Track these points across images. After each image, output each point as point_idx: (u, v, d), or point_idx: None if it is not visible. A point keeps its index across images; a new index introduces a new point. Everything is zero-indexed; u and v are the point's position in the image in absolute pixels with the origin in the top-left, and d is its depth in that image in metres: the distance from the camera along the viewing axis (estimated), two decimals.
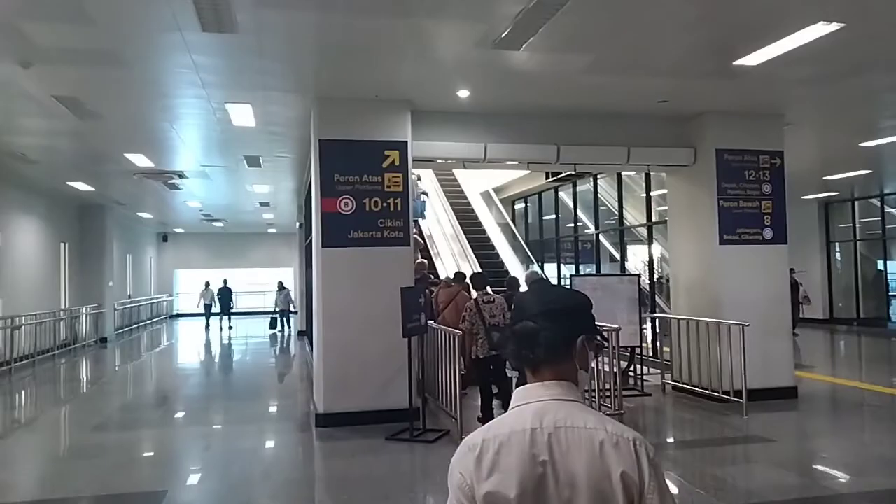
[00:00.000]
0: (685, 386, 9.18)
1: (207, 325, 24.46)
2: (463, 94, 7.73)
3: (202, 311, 24.65)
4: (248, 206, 19.24)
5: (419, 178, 13.75)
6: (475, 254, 13.71)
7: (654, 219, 12.39)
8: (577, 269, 15.82)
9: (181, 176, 13.42)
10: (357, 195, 7.79)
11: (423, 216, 13.62)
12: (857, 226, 19.54)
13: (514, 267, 13.99)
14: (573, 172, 14.22)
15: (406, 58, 6.66)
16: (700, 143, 9.09)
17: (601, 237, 15.35)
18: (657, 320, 9.61)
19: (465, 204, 16.34)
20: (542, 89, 7.67)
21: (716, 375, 8.61)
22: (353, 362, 7.69)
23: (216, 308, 24.29)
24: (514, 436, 1.37)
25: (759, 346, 8.32)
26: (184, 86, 7.51)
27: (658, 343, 10.27)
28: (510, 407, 1.46)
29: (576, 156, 8.80)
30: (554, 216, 17.10)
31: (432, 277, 11.22)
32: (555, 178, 14.92)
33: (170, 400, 10.66)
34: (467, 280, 9.38)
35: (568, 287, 2.52)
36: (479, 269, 10.63)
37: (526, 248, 16.16)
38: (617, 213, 14.07)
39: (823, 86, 7.65)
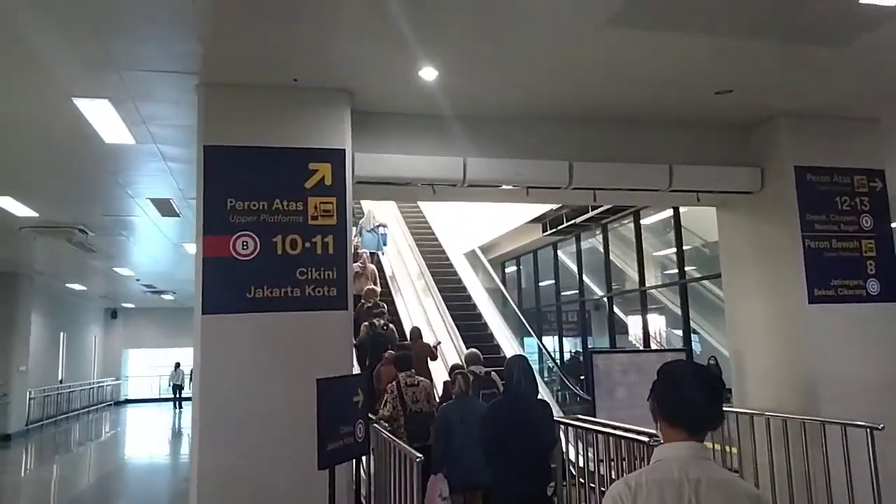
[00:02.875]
0: None
1: (177, 408, 23.04)
2: (428, 74, 5.03)
3: (170, 394, 24.02)
4: (190, 273, 16.29)
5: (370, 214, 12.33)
6: (456, 324, 10.85)
7: (686, 275, 9.67)
8: (584, 343, 12.92)
9: (82, 231, 10.58)
10: (263, 231, 4.98)
11: (381, 251, 11.92)
12: None
13: (505, 339, 11.13)
14: (575, 223, 11.62)
15: (341, 7, 4.02)
16: (771, 160, 6.41)
17: (614, 303, 12.51)
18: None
19: (445, 264, 13.59)
20: (546, 66, 5.01)
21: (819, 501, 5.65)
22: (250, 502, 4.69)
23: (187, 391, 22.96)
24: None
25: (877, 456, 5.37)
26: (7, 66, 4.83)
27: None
28: None
29: (597, 177, 6.05)
30: (553, 281, 14.35)
31: (383, 308, 9.31)
32: (554, 230, 12.23)
33: None
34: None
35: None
36: (464, 346, 8.12)
37: (520, 316, 13.27)
38: (636, 271, 11.34)
39: None
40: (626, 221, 11.56)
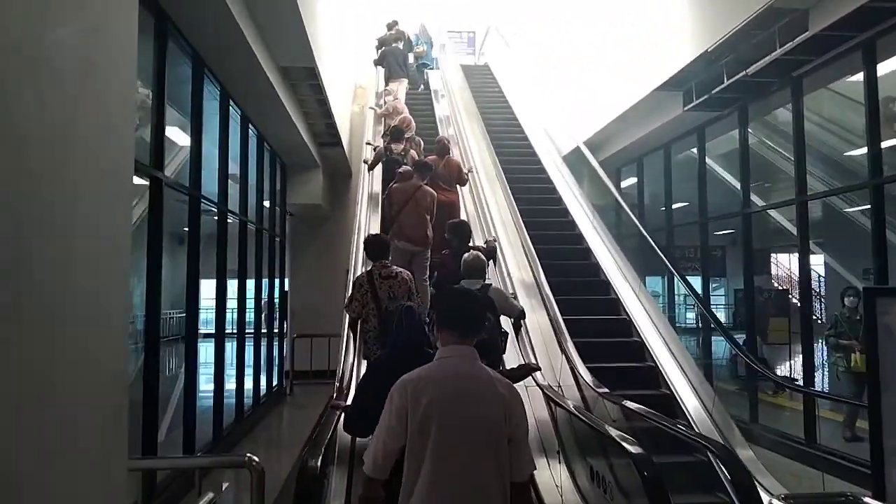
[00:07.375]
0: None
1: None
2: None
3: None
4: None
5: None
6: (540, 253, 6.85)
7: None
8: (747, 283, 8.21)
9: None
10: None
11: (430, 66, 12.67)
12: None
13: (616, 273, 7.06)
14: (745, 77, 6.92)
15: None
16: None
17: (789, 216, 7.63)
18: None
19: (536, 168, 9.49)
20: None
21: None
22: None
23: None
24: None
25: None
26: None
27: None
28: None
29: None
30: (696, 195, 9.50)
31: (412, 135, 8.55)
32: (702, 98, 7.52)
33: None
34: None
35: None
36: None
37: (647, 236, 8.66)
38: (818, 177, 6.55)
39: None
40: (847, 75, 6.66)
